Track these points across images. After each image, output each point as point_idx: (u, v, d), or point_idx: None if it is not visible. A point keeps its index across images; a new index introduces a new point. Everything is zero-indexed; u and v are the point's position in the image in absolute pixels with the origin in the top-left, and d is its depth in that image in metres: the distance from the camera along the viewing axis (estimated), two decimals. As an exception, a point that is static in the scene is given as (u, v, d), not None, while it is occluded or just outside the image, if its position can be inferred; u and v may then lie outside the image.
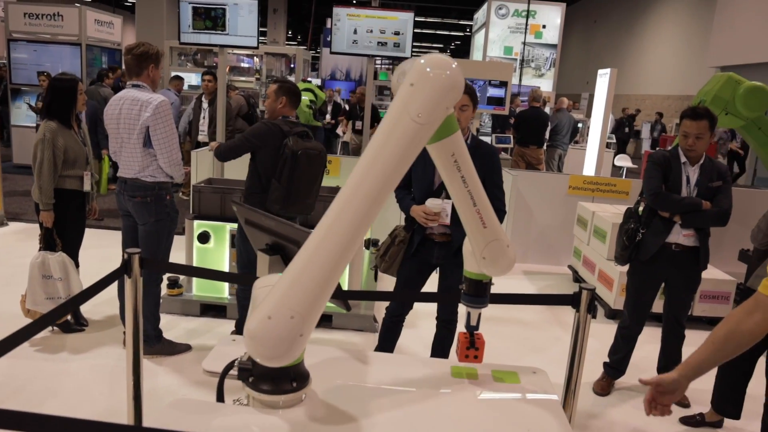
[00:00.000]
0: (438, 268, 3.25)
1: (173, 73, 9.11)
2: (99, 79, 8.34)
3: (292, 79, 11.71)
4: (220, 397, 1.78)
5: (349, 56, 18.01)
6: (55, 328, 3.86)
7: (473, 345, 1.98)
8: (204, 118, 7.22)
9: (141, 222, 3.49)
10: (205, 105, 7.29)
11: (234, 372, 1.71)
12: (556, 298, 2.30)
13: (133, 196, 3.44)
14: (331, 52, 4.68)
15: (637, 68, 21.86)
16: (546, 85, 15.26)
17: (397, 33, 4.33)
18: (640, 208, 3.45)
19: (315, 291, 1.32)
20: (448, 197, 3.04)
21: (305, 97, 5.16)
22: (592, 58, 25.46)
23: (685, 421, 3.33)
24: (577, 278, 5.63)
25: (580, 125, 13.00)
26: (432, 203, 2.98)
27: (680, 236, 3.30)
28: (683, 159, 3.29)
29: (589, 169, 8.77)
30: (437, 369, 2.02)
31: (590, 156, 8.91)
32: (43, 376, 3.34)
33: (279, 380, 1.65)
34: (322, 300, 1.34)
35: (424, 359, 2.17)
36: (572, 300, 2.23)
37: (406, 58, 4.49)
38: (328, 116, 9.50)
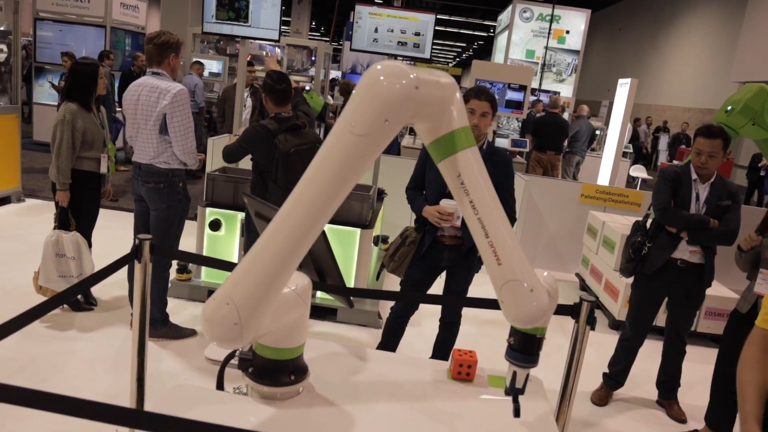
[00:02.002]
0: (446, 271, 3.28)
1: (194, 59, 9.18)
2: (99, 60, 8.42)
3: (312, 72, 11.75)
4: (220, 386, 1.82)
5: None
6: (64, 306, 3.94)
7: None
8: (246, 107, 7.33)
9: (153, 207, 3.55)
10: (246, 95, 7.38)
11: (234, 362, 1.76)
12: (556, 308, 2.31)
13: (147, 182, 3.50)
14: (351, 49, 4.71)
15: (658, 79, 21.67)
16: (566, 90, 15.21)
17: (417, 34, 4.35)
18: (648, 222, 3.45)
19: (253, 286, 1.38)
20: None
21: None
22: (615, 67, 25.27)
23: (680, 436, 3.34)
24: (584, 287, 5.64)
25: (598, 132, 12.95)
26: (446, 203, 3.01)
27: (686, 252, 3.31)
28: (694, 176, 3.29)
29: (603, 177, 8.75)
30: (434, 370, 2.05)
31: (606, 165, 8.87)
32: (50, 353, 3.42)
33: (278, 373, 1.70)
34: (260, 296, 1.39)
35: (422, 360, 2.20)
36: (572, 310, 2.25)
37: (425, 60, 4.52)
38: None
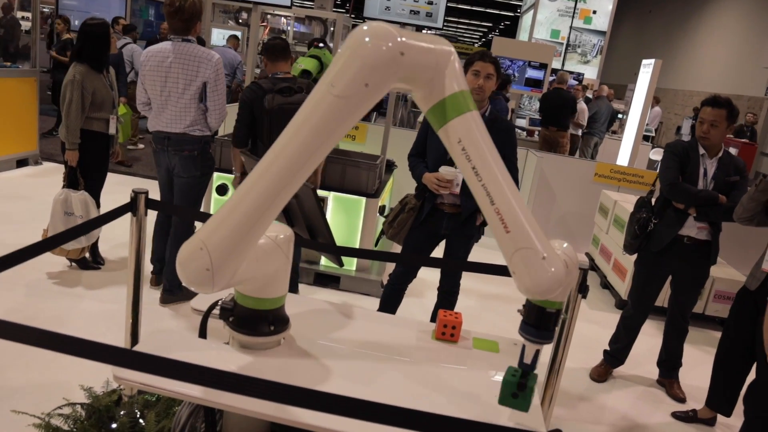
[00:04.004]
0: (445, 240, 3.27)
1: (214, 30, 9.17)
2: (111, 25, 8.39)
3: (331, 45, 11.65)
4: (203, 334, 1.84)
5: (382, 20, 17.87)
6: (72, 264, 4.01)
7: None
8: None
9: (186, 175, 3.55)
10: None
11: (217, 311, 1.78)
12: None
13: (181, 150, 3.50)
14: (363, 18, 4.66)
15: (688, 63, 21.17)
16: (590, 72, 14.95)
17: (430, 2, 4.29)
18: (653, 198, 3.39)
19: (227, 234, 1.39)
20: None
21: (300, 65, 4.97)
22: (643, 50, 24.70)
23: (677, 415, 3.31)
24: (593, 266, 5.58)
25: (620, 116, 12.71)
26: (446, 170, 2.99)
27: (694, 229, 3.25)
28: (702, 151, 3.22)
29: (623, 159, 8.61)
30: (418, 330, 2.05)
31: (625, 147, 8.73)
32: (56, 307, 3.49)
33: (257, 322, 1.71)
34: (234, 245, 1.40)
35: (408, 320, 2.20)
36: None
37: (438, 29, 4.46)
38: None
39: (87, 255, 4.03)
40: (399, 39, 1.27)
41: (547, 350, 2.27)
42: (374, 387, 1.65)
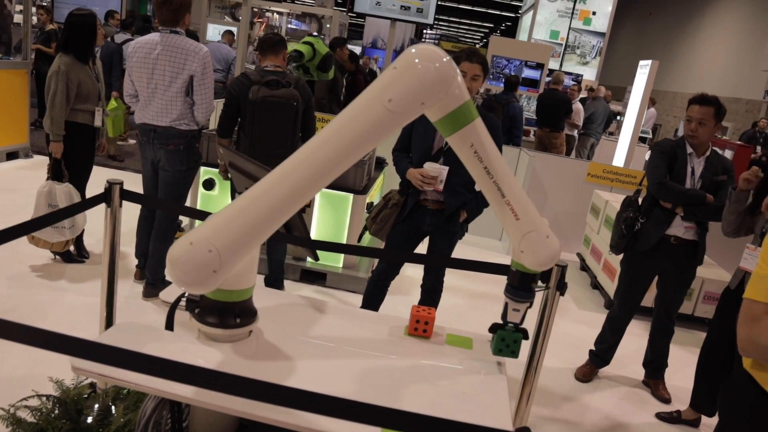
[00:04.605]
0: (429, 237, 3.24)
1: (210, 26, 9.14)
2: (105, 19, 8.27)
3: (320, 39, 11.61)
4: (170, 326, 1.81)
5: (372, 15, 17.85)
6: (56, 257, 3.98)
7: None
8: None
9: (171, 169, 3.51)
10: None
11: (183, 303, 1.75)
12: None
13: (167, 144, 3.46)
14: (351, 13, 4.64)
15: (687, 66, 21.16)
16: (589, 73, 14.93)
17: (421, -2, 4.27)
18: (640, 198, 3.37)
19: (241, 236, 1.36)
20: (446, 163, 3.01)
21: (290, 49, 5.03)
22: (643, 52, 24.67)
23: (661, 416, 3.28)
24: (584, 266, 5.56)
25: (619, 118, 12.67)
26: (430, 166, 2.96)
27: (681, 229, 3.22)
28: (689, 150, 3.19)
29: (618, 160, 8.58)
30: (391, 326, 2.02)
31: (621, 148, 8.70)
32: (37, 300, 3.46)
33: (223, 314, 1.68)
34: (245, 247, 1.37)
35: (382, 315, 2.17)
36: (542, 275, 2.20)
37: (428, 25, 4.44)
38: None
39: (72, 248, 4.00)
40: (445, 59, 1.36)
41: (524, 348, 2.25)
42: (339, 382, 1.62)
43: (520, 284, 1.73)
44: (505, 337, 1.77)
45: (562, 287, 2.20)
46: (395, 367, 1.75)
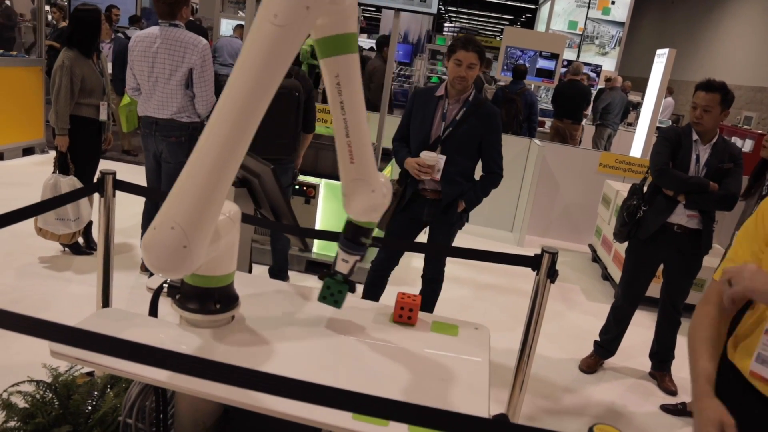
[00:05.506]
0: (428, 228, 3.22)
1: (223, 21, 9.18)
2: (130, 22, 8.37)
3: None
4: (153, 312, 1.83)
5: (408, 20, 17.72)
6: (65, 249, 4.04)
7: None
8: None
9: (173, 161, 3.54)
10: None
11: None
12: (518, 259, 2.24)
13: (168, 137, 3.50)
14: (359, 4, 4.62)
15: (710, 55, 20.74)
16: (609, 64, 14.71)
17: (424, -13, 4.23)
18: (645, 185, 3.31)
19: (193, 202, 1.33)
20: (443, 152, 2.99)
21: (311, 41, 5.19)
22: (665, 41, 24.23)
23: (666, 408, 3.23)
24: (595, 258, 5.49)
25: (639, 109, 12.47)
26: (426, 155, 2.94)
27: (683, 217, 3.16)
28: (695, 137, 3.12)
29: (636, 151, 8.45)
30: (376, 313, 2.01)
31: (638, 139, 8.56)
32: (44, 291, 3.52)
33: (203, 300, 1.69)
34: (204, 213, 1.35)
35: (368, 303, 2.16)
36: (532, 262, 2.18)
37: (432, 14, 4.40)
38: None
39: (80, 240, 4.06)
40: None
41: (517, 336, 2.22)
42: (319, 368, 1.62)
43: (352, 237, 1.73)
44: (331, 286, 1.77)
45: (552, 274, 2.18)
46: (376, 354, 1.74)
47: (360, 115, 1.56)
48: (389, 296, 3.36)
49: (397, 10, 4.35)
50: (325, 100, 5.95)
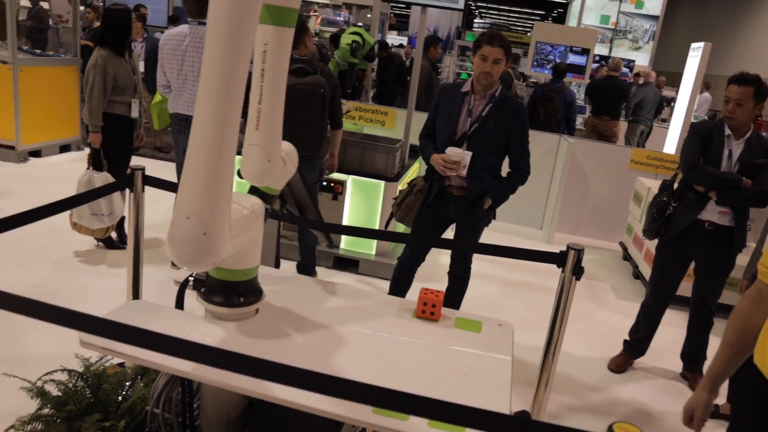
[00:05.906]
0: (455, 225, 3.21)
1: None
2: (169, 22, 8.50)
3: (365, 29, 11.61)
4: (180, 305, 1.86)
5: (437, 16, 17.64)
6: (99, 243, 4.14)
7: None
8: None
9: None
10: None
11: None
12: (543, 256, 2.21)
13: None
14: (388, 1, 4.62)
15: (749, 49, 20.16)
16: (642, 59, 14.44)
17: (452, -18, 4.22)
18: (676, 182, 3.25)
19: (202, 186, 1.36)
20: (469, 148, 2.98)
21: (349, 38, 5.83)
22: (701, 35, 23.64)
23: (697, 408, 3.16)
24: (626, 256, 5.40)
25: (672, 104, 12.20)
26: (452, 151, 2.93)
27: (715, 214, 3.08)
28: (727, 132, 3.05)
29: (669, 147, 8.28)
30: (400, 308, 2.02)
31: (672, 135, 8.38)
32: (78, 284, 3.61)
33: (228, 293, 1.72)
34: (212, 195, 1.37)
35: (392, 298, 2.17)
36: (558, 259, 2.15)
37: (459, 10, 4.38)
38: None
39: (113, 235, 4.15)
40: None
41: (544, 334, 2.20)
42: (342, 362, 1.63)
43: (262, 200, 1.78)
44: None
45: (578, 271, 2.15)
46: (399, 348, 1.74)
47: (277, 88, 1.63)
48: (416, 293, 3.36)
49: (425, 6, 4.34)
50: (346, 97, 6.09)
